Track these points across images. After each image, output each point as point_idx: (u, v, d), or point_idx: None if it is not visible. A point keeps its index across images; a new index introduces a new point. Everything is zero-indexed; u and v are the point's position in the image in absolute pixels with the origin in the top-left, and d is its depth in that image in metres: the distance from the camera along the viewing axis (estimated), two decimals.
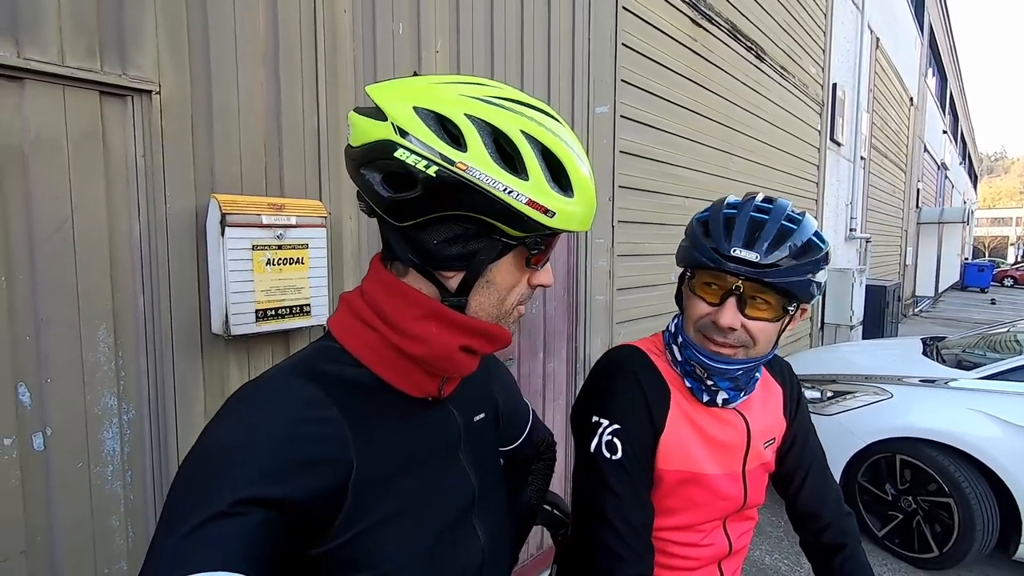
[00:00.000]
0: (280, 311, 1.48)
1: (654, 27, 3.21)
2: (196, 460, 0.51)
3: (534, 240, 0.59)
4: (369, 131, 0.55)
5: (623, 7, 2.93)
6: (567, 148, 0.57)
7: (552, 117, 0.59)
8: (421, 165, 0.53)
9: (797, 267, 0.82)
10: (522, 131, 0.55)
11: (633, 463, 0.87)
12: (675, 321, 0.98)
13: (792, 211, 0.88)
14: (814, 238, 0.85)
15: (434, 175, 0.53)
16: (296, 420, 0.54)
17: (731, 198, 0.92)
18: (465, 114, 0.54)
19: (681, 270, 0.97)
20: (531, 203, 0.54)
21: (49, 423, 1.23)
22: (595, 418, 0.91)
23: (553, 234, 0.61)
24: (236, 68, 1.47)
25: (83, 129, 1.24)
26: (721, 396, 0.93)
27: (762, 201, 0.89)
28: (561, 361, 2.77)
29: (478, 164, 0.53)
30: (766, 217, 0.85)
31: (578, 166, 0.58)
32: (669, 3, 3.33)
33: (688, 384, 0.94)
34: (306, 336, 1.65)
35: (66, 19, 1.20)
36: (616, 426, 0.89)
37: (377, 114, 0.55)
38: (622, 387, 0.92)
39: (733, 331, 0.85)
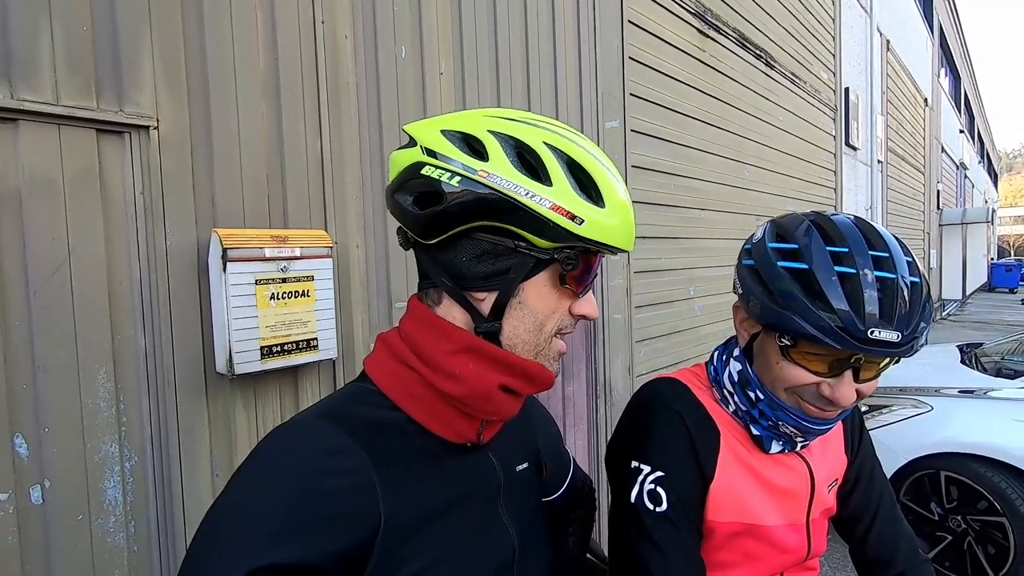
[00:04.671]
0: (286, 347, 1.42)
1: (661, 39, 3.17)
2: (212, 522, 0.50)
3: (567, 255, 0.55)
4: (402, 160, 0.59)
5: (629, 21, 2.89)
6: (595, 160, 0.57)
7: (580, 136, 0.59)
8: (445, 177, 0.55)
9: (927, 328, 0.68)
10: (544, 142, 0.55)
11: (681, 516, 0.76)
12: (733, 364, 0.83)
13: (905, 248, 0.71)
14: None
15: (456, 185, 0.54)
16: (318, 472, 0.51)
17: (817, 237, 0.72)
18: (488, 130, 0.56)
19: (737, 302, 0.82)
20: (555, 207, 0.53)
21: (48, 475, 1.18)
22: (634, 463, 0.79)
23: (589, 251, 0.57)
24: (236, 99, 1.43)
25: (80, 168, 1.21)
26: (802, 443, 0.82)
27: (864, 238, 0.70)
28: (581, 384, 2.68)
29: (499, 171, 0.54)
30: (892, 276, 0.67)
31: (609, 179, 0.57)
32: (675, 15, 3.29)
33: (756, 432, 0.81)
34: (315, 372, 1.59)
35: (60, 58, 1.17)
36: (659, 473, 0.77)
37: (409, 143, 0.59)
38: (664, 428, 0.81)
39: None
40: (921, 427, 2.94)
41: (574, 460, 0.88)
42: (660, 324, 3.18)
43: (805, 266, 0.70)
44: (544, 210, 0.53)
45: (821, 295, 0.68)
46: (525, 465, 0.71)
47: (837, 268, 0.68)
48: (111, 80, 1.24)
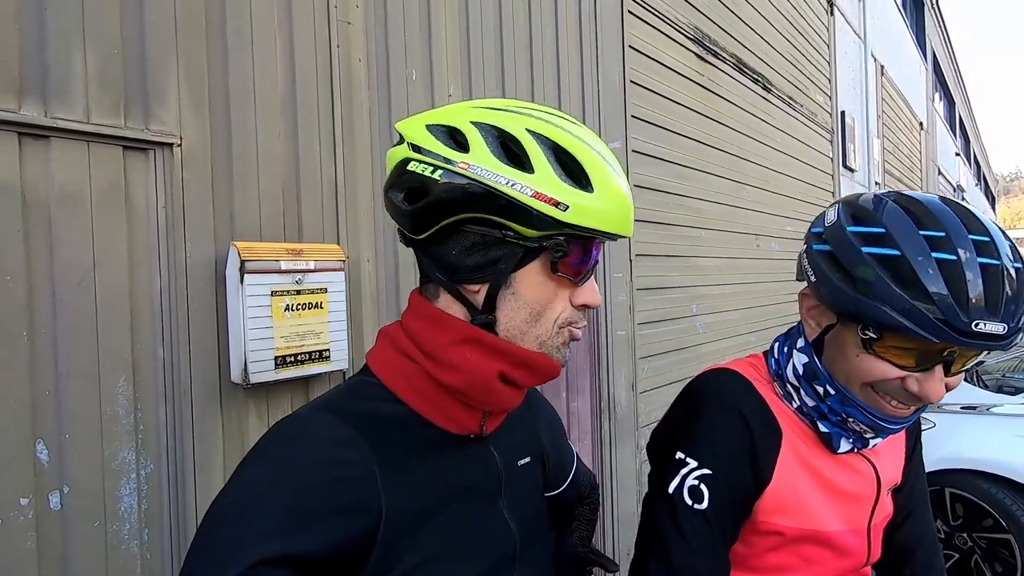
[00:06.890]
0: (300, 357, 1.45)
1: (661, 64, 3.26)
2: (217, 511, 0.51)
3: (557, 242, 0.55)
4: (393, 157, 0.60)
5: (630, 46, 2.99)
6: (584, 145, 0.56)
7: (571, 121, 0.58)
8: (428, 172, 0.55)
9: None
10: (528, 129, 0.55)
11: (720, 516, 0.72)
12: (798, 357, 0.78)
13: (1007, 235, 0.66)
14: None
15: (439, 178, 0.55)
16: (320, 464, 0.53)
17: (907, 220, 0.65)
18: (471, 122, 0.56)
19: (808, 293, 0.77)
20: (537, 195, 0.53)
21: (67, 481, 1.20)
22: (680, 454, 0.75)
23: (581, 237, 0.56)
24: (255, 118, 1.49)
25: (106, 183, 1.26)
26: (874, 442, 0.78)
27: (960, 221, 0.64)
28: (585, 399, 2.70)
29: (479, 162, 0.54)
30: (996, 262, 0.61)
31: (599, 162, 0.55)
32: (674, 41, 3.40)
33: (824, 429, 0.76)
34: (326, 382, 1.62)
35: (92, 78, 1.23)
36: (706, 471, 0.73)
37: (400, 141, 0.60)
38: (721, 425, 0.76)
39: None
40: (924, 443, 2.94)
41: (577, 455, 0.89)
42: (663, 341, 3.21)
43: (896, 252, 0.64)
44: (526, 198, 0.53)
45: (915, 283, 0.62)
46: (527, 460, 0.71)
47: (934, 254, 0.62)
48: (138, 99, 1.30)
